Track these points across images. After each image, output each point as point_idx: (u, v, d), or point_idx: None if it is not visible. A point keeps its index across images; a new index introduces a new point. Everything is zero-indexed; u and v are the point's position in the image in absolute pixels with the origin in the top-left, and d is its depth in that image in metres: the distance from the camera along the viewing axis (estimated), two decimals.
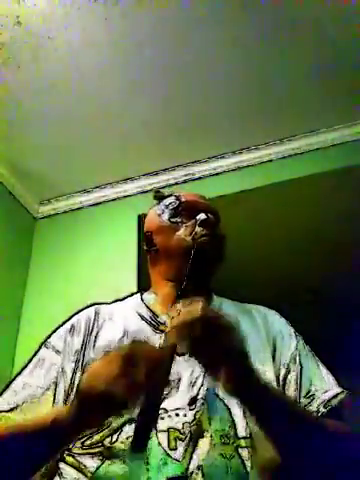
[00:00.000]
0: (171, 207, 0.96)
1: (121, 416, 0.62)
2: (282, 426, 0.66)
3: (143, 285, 1.92)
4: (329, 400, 0.77)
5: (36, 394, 0.76)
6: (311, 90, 1.92)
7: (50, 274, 2.15)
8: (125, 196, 2.28)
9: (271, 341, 0.86)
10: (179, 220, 0.93)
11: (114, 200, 2.29)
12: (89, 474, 0.69)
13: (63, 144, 2.08)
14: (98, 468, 0.69)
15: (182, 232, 0.89)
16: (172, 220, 0.94)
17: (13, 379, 0.79)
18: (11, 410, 0.74)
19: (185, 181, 2.22)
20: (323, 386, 0.80)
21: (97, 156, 2.15)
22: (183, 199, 0.97)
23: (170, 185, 2.23)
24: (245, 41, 1.74)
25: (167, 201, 0.99)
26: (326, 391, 0.79)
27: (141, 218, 2.19)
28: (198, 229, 0.87)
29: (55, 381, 0.78)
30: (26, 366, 0.81)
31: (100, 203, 2.30)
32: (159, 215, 0.98)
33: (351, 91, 1.92)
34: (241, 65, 1.83)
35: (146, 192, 2.24)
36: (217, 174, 2.20)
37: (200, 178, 2.21)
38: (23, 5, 1.59)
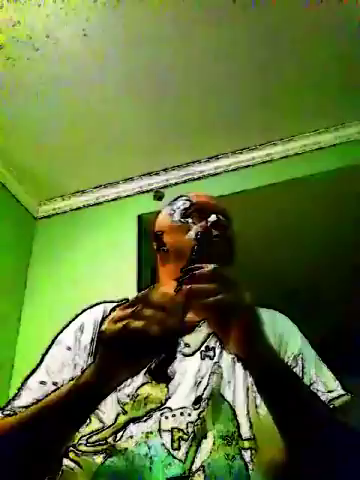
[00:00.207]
0: (182, 208, 0.97)
1: (145, 362, 0.59)
2: (286, 398, 0.65)
3: (143, 285, 1.93)
4: (331, 400, 0.77)
5: (50, 391, 0.76)
6: (311, 90, 1.92)
7: (50, 274, 2.15)
8: (125, 196, 2.28)
9: (277, 341, 0.86)
10: (190, 221, 0.93)
11: (114, 200, 2.29)
12: (92, 471, 0.69)
13: (63, 144, 2.08)
14: (101, 465, 0.69)
15: (192, 233, 0.89)
16: (183, 221, 0.94)
17: (27, 378, 0.79)
18: (29, 407, 0.73)
19: (185, 181, 2.22)
20: (326, 386, 0.79)
21: (97, 156, 2.15)
22: (195, 200, 0.98)
23: (170, 185, 2.23)
24: (245, 41, 1.74)
25: (179, 202, 0.99)
26: (329, 391, 0.79)
27: (141, 218, 2.19)
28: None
29: (69, 377, 0.78)
30: (39, 365, 0.81)
31: (100, 203, 2.30)
32: (170, 215, 0.98)
33: (351, 91, 1.92)
34: (241, 65, 1.83)
35: (146, 192, 2.25)
36: (217, 174, 2.20)
37: (200, 178, 2.21)
38: (23, 5, 1.59)
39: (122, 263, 2.05)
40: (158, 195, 2.21)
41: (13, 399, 0.76)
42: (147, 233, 2.17)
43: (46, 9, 1.61)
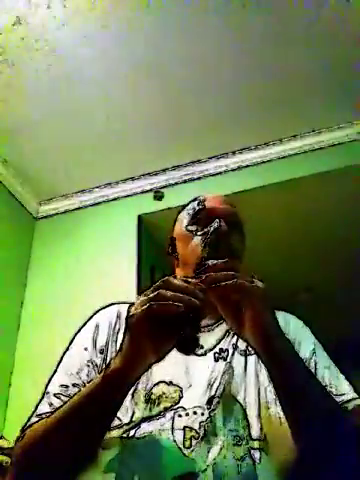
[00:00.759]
0: (191, 213, 0.96)
1: (171, 342, 0.61)
2: (296, 383, 0.66)
3: (142, 285, 1.93)
4: (343, 403, 0.76)
5: (73, 394, 0.75)
6: (311, 90, 1.92)
7: (50, 274, 2.15)
8: (125, 196, 2.28)
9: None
10: (195, 228, 0.93)
11: (114, 200, 2.29)
12: (104, 467, 0.69)
13: (63, 144, 2.08)
14: (114, 462, 0.69)
15: (195, 241, 0.89)
16: (189, 228, 0.94)
17: (48, 383, 0.79)
18: (53, 412, 0.73)
19: (185, 181, 2.22)
20: (339, 389, 0.79)
21: (97, 156, 2.15)
22: (202, 205, 0.96)
23: (170, 185, 2.23)
24: (246, 42, 1.75)
25: (189, 206, 0.99)
26: (341, 395, 0.79)
27: (141, 218, 2.19)
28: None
29: (88, 378, 0.78)
30: (57, 367, 0.82)
31: (100, 203, 2.30)
32: (181, 221, 0.98)
33: (351, 91, 1.92)
34: (241, 65, 1.83)
35: (146, 192, 2.25)
36: (217, 174, 2.20)
37: (200, 178, 2.22)
38: (23, 5, 1.59)
39: (122, 263, 2.05)
40: (158, 195, 2.21)
41: (38, 405, 0.76)
42: (147, 233, 2.18)
43: (47, 9, 1.61)
